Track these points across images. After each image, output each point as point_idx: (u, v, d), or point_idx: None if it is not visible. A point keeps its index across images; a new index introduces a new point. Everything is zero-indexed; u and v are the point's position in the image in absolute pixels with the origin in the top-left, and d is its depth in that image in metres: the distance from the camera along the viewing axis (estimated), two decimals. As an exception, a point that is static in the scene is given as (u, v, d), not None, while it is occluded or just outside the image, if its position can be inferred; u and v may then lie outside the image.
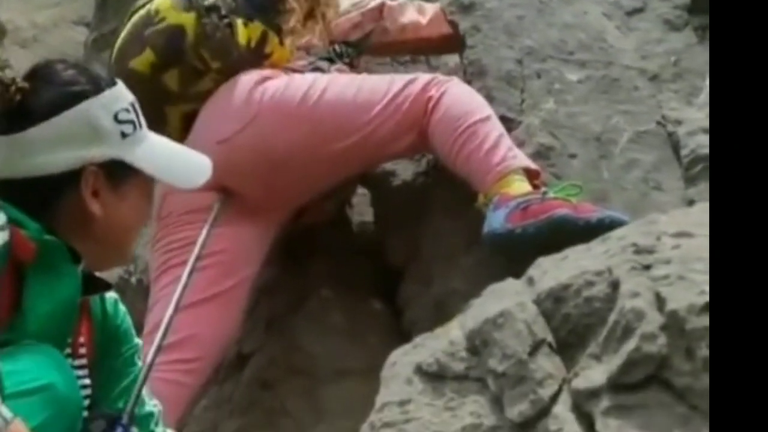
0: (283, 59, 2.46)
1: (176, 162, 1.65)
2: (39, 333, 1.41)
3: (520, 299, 1.33)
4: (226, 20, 2.38)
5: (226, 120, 2.34)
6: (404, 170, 2.57)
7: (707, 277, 1.20)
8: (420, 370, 1.36)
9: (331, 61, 2.51)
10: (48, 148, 1.48)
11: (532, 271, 1.46)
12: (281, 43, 2.46)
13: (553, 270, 1.39)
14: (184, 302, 2.07)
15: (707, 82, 2.60)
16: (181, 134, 2.35)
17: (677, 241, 1.29)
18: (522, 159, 2.22)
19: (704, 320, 1.17)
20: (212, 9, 2.38)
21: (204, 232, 2.20)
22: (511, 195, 2.11)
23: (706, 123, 2.43)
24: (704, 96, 2.57)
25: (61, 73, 1.56)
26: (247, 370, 2.58)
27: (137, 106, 1.59)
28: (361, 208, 2.69)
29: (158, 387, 1.96)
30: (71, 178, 1.50)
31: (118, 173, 1.55)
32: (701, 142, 2.37)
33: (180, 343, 2.22)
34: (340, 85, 2.37)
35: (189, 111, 2.40)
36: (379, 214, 2.61)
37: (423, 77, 2.37)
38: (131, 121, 1.56)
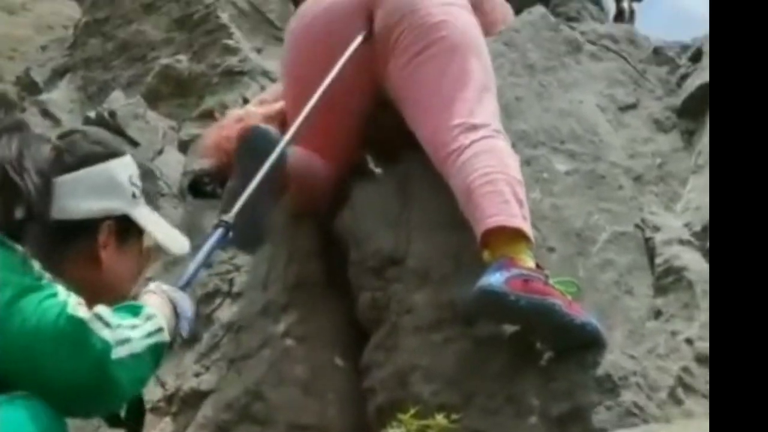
0: None
1: (167, 229, 1.97)
2: None
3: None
4: None
5: None
6: (385, 233, 2.59)
7: None
8: None
9: None
10: (74, 196, 1.77)
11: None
12: None
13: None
14: None
15: (688, 188, 2.68)
16: None
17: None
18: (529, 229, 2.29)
19: None
20: None
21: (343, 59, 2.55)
22: (518, 264, 2.18)
23: (682, 233, 2.52)
24: (683, 203, 2.64)
25: (90, 134, 1.90)
26: (203, 408, 2.59)
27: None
28: (338, 261, 2.70)
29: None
30: (89, 226, 1.79)
31: (125, 231, 1.86)
32: (675, 253, 2.45)
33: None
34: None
35: None
36: (355, 271, 2.64)
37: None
38: (138, 187, 1.88)
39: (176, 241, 1.96)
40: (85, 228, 1.79)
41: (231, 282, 2.84)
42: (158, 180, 3.20)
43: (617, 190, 2.60)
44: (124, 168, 1.86)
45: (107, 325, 1.58)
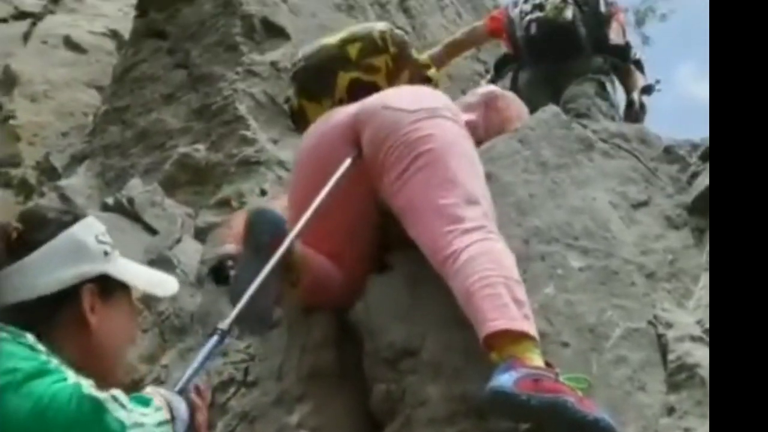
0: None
1: (150, 275, 1.99)
2: None
3: None
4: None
5: (402, 99, 2.76)
6: (398, 326, 2.62)
7: None
8: None
9: None
10: (45, 271, 1.77)
11: None
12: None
13: None
14: None
15: (700, 285, 2.71)
16: (344, 96, 2.95)
17: None
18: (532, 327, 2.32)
19: None
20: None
21: (333, 180, 2.65)
22: (526, 363, 2.21)
23: (695, 330, 2.53)
24: (695, 300, 2.67)
25: (48, 210, 1.91)
26: (215, 499, 2.60)
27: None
28: (353, 352, 2.73)
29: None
30: (70, 294, 1.78)
31: (107, 289, 1.84)
32: (688, 350, 2.46)
33: None
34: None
35: (355, 78, 2.98)
36: (369, 362, 2.66)
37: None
38: (108, 243, 1.88)
39: (161, 285, 1.99)
40: (66, 297, 1.78)
41: (246, 371, 2.86)
42: (176, 268, 3.23)
43: (630, 287, 2.63)
44: (87, 229, 1.86)
45: (123, 406, 1.60)
